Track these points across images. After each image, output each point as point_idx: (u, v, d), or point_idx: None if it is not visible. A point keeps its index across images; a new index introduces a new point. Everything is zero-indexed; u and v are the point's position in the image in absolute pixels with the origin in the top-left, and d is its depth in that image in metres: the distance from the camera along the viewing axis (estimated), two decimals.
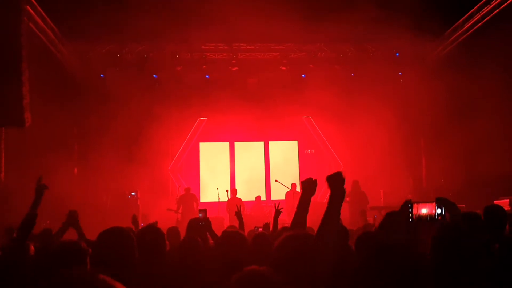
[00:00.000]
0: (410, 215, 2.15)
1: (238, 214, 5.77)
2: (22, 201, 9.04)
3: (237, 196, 13.94)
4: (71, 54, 13.83)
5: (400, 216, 2.15)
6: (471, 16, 12.47)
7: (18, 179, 10.24)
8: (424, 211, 2.15)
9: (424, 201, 2.18)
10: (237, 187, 15.05)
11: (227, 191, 14.00)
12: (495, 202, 8.79)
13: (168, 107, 14.53)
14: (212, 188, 14.68)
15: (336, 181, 2.55)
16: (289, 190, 14.49)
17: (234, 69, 15.20)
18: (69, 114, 13.42)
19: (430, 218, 2.13)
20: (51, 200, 4.20)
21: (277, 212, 5.47)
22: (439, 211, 2.13)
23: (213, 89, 15.44)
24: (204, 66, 15.20)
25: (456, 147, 12.35)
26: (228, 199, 13.80)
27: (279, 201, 6.16)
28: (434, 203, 2.14)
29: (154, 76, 15.63)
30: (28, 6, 10.51)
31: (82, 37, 13.15)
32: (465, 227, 1.95)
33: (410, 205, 2.17)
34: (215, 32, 12.97)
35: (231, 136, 17.06)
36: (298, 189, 14.91)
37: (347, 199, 11.32)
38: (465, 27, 12.79)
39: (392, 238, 2.16)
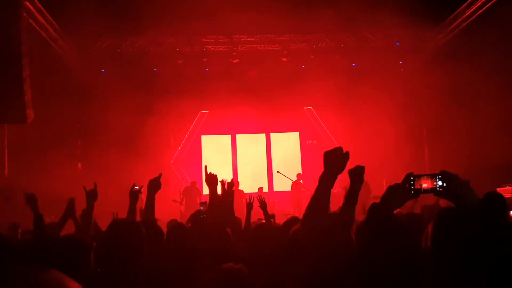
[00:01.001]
0: (412, 187, 2.17)
1: (263, 204, 5.69)
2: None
3: (239, 188, 13.97)
4: (71, 49, 13.82)
5: (402, 188, 2.17)
6: (472, 3, 12.39)
7: (22, 175, 10.28)
8: (426, 183, 2.18)
9: (427, 173, 2.19)
10: (239, 179, 15.08)
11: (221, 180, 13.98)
12: (498, 189, 8.80)
13: (169, 101, 14.51)
14: None
15: (333, 158, 2.43)
16: (294, 180, 14.53)
17: (234, 61, 15.17)
18: (71, 109, 13.46)
19: (432, 190, 2.16)
20: (55, 195, 4.20)
21: (250, 206, 5.48)
22: (440, 183, 2.14)
23: (214, 82, 15.40)
24: (204, 59, 15.17)
25: (458, 135, 12.33)
26: None
27: (253, 194, 6.03)
28: (436, 176, 2.16)
29: (155, 70, 15.63)
30: (27, 2, 10.49)
31: (82, 32, 13.12)
32: (475, 206, 1.94)
33: (412, 178, 2.19)
34: (215, 24, 12.94)
35: (233, 129, 17.07)
36: (302, 180, 14.97)
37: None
38: (466, 14, 12.70)
39: (392, 209, 2.19)
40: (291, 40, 15.23)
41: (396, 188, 2.17)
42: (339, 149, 2.46)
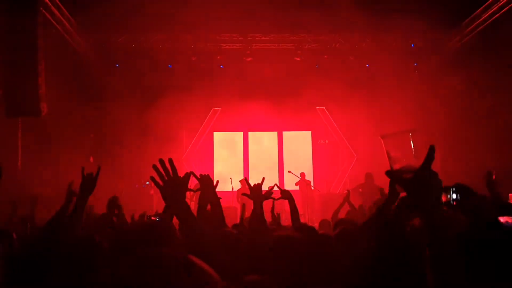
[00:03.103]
0: None
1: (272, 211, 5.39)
2: (39, 189, 9.19)
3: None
4: (87, 44, 13.91)
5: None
6: (488, 7, 12.27)
7: (35, 168, 10.37)
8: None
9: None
10: (250, 176, 15.10)
11: (241, 181, 14.02)
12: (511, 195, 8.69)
13: (182, 97, 14.57)
14: (226, 177, 14.76)
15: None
16: (299, 180, 14.59)
17: (248, 59, 15.17)
18: (85, 103, 13.54)
19: (446, 203, 2.04)
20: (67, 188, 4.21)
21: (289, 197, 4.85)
22: (454, 196, 2.03)
23: (227, 79, 15.43)
24: (218, 57, 15.18)
25: (473, 140, 12.21)
26: (238, 189, 13.85)
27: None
28: (450, 189, 2.05)
29: (169, 66, 15.68)
30: None
31: (98, 27, 13.20)
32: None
33: None
34: (230, 22, 12.95)
35: (245, 126, 17.12)
36: (308, 177, 15.02)
37: (360, 190, 11.28)
38: (483, 17, 12.59)
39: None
40: (305, 40, 15.17)
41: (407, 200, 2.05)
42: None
